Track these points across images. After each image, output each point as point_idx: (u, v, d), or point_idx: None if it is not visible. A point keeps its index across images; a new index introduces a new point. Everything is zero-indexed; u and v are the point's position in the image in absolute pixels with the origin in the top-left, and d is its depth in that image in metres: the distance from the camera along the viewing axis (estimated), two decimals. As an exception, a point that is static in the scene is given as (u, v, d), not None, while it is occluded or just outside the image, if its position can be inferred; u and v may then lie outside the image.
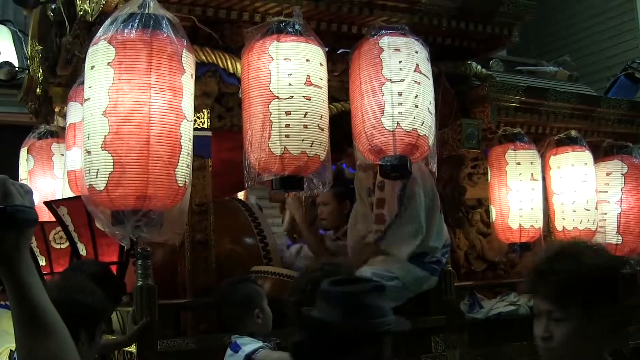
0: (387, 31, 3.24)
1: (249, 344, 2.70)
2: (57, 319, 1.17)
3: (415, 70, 3.17)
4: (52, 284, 2.37)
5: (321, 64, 3.06)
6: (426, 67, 3.23)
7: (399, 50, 3.18)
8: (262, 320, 2.86)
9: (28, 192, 1.14)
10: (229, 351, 2.75)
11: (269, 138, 2.89)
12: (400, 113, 3.08)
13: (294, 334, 2.00)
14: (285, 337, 2.78)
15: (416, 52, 3.22)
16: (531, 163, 4.19)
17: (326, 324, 1.82)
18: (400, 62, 3.15)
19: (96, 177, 2.64)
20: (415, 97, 3.13)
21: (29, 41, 4.89)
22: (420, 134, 3.10)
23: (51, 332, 1.15)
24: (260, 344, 2.69)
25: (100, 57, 2.70)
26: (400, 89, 3.11)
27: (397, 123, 3.07)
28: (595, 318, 1.74)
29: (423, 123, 3.12)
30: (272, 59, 2.94)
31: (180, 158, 2.72)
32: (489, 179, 4.29)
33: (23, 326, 1.14)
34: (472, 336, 3.85)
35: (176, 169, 2.70)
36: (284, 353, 2.53)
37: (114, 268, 3.26)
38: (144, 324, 2.91)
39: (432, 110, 3.21)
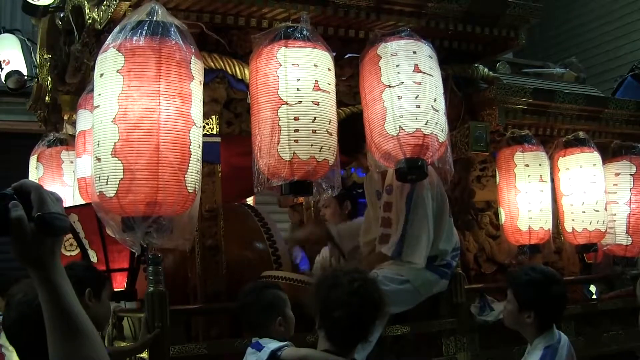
0: (385, 37, 3.25)
1: (273, 342, 2.67)
2: (88, 320, 1.21)
3: (414, 71, 3.17)
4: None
5: (329, 69, 3.07)
6: (428, 65, 3.22)
7: (396, 54, 3.19)
8: (284, 327, 2.81)
9: (59, 200, 1.19)
10: (249, 350, 2.72)
11: (278, 143, 2.90)
12: (401, 117, 3.09)
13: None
14: (302, 340, 2.78)
15: (414, 53, 3.21)
16: (539, 165, 4.19)
17: None
18: (397, 65, 3.16)
19: (106, 184, 2.66)
20: (416, 97, 3.13)
21: (38, 50, 4.91)
22: (426, 133, 3.10)
23: (83, 333, 1.19)
24: (285, 342, 2.67)
25: (109, 64, 2.71)
26: (399, 92, 3.12)
27: (400, 127, 3.08)
28: None
29: (427, 122, 3.12)
30: (281, 65, 2.95)
31: (189, 164, 2.73)
32: (498, 181, 4.28)
33: (57, 328, 1.18)
34: (483, 338, 3.84)
35: (186, 175, 2.71)
36: (310, 349, 2.52)
37: (124, 274, 3.28)
38: (157, 333, 2.92)
39: (439, 106, 3.20)
